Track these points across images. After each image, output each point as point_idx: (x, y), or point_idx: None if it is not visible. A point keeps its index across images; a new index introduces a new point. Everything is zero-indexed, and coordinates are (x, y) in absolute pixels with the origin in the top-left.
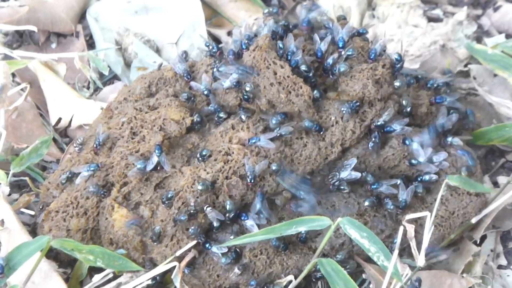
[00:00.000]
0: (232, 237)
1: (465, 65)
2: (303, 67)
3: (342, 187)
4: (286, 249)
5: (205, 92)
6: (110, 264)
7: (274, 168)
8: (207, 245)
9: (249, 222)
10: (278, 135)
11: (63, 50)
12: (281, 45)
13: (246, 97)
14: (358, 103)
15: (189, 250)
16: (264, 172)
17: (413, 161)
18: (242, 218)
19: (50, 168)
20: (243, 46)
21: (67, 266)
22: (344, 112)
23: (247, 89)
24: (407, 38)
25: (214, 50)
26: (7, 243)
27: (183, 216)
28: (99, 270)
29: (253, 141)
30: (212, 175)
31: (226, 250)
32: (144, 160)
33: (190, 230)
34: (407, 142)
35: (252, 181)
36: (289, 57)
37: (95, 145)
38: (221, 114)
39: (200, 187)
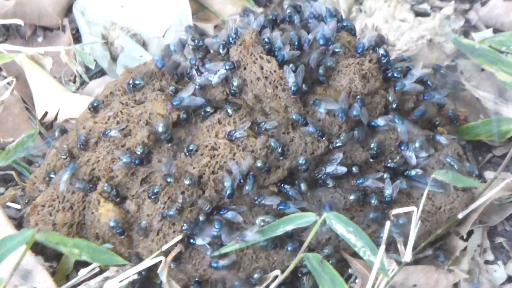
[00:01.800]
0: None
1: (452, 60)
2: (290, 66)
3: (326, 182)
4: (275, 248)
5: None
6: (95, 258)
7: (259, 165)
8: (191, 241)
9: (230, 214)
10: (263, 129)
11: (49, 44)
12: (267, 40)
13: (232, 91)
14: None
15: (175, 245)
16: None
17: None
18: (221, 212)
19: (36, 162)
20: (231, 41)
21: (53, 260)
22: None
23: (235, 83)
24: (394, 33)
25: (199, 44)
26: None
27: (173, 211)
28: (86, 264)
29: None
30: (198, 170)
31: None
32: (130, 154)
33: (183, 227)
34: (402, 147)
35: (241, 181)
36: (275, 52)
37: (78, 145)
38: (208, 109)
39: (187, 182)
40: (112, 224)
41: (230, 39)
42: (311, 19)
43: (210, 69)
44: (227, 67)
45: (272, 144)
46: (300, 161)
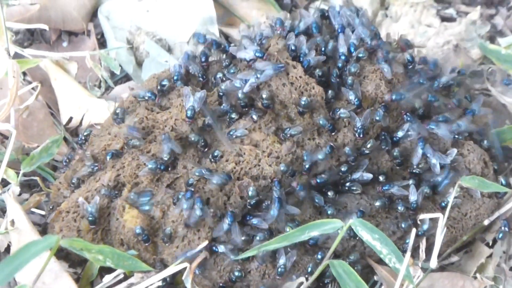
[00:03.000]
0: (243, 238)
1: (479, 65)
2: (317, 71)
3: (354, 188)
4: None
5: (221, 93)
6: (119, 264)
7: (282, 168)
8: (213, 248)
9: (255, 220)
10: (288, 135)
11: (74, 48)
12: (293, 47)
13: (265, 104)
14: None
15: (200, 251)
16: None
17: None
18: (248, 218)
19: (61, 168)
20: (258, 54)
21: (77, 266)
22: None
23: (264, 96)
24: (420, 38)
25: (226, 49)
26: (17, 243)
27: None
28: (110, 270)
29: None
30: None
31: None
32: (156, 160)
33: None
34: (428, 155)
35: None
36: (301, 58)
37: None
38: (233, 115)
39: (212, 186)
40: (138, 231)
41: (256, 52)
42: (339, 25)
43: (240, 78)
44: (258, 77)
45: (305, 157)
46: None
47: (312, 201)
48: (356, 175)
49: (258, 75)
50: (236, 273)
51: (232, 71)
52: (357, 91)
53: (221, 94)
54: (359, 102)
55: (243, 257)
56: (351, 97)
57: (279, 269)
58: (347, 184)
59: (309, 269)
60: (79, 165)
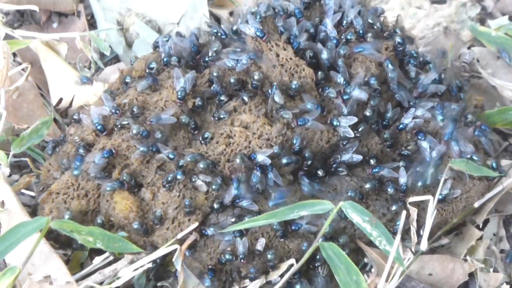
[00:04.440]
0: (233, 220)
1: (469, 47)
2: (308, 52)
3: (340, 169)
4: (282, 237)
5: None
6: (109, 246)
7: (275, 151)
8: (203, 231)
9: (245, 202)
10: (279, 116)
11: (64, 30)
12: (282, 29)
13: (254, 85)
14: None
15: (190, 233)
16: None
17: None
18: (237, 201)
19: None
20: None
21: (67, 248)
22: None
23: (256, 77)
24: (410, 20)
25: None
26: (7, 224)
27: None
28: (100, 252)
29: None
30: (214, 158)
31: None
32: (147, 143)
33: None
34: (419, 136)
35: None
36: (291, 40)
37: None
38: (222, 97)
39: (201, 165)
40: (136, 226)
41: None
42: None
43: (232, 57)
44: (250, 57)
45: (295, 141)
46: (307, 156)
47: (300, 189)
48: (346, 157)
49: (251, 56)
50: (227, 256)
51: (231, 56)
52: (345, 73)
53: (214, 75)
54: (347, 83)
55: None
56: (339, 79)
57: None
58: (333, 165)
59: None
60: (69, 147)
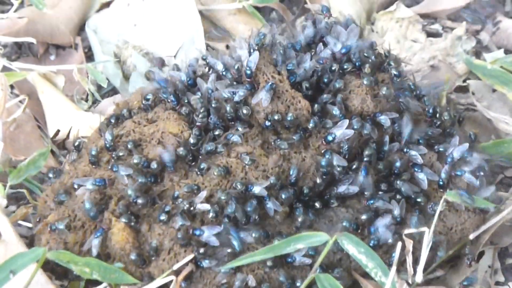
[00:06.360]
0: (229, 250)
1: (464, 80)
2: (304, 83)
3: (331, 201)
4: (274, 268)
5: (214, 105)
6: (106, 277)
7: (272, 182)
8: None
9: (242, 234)
10: (275, 147)
11: (62, 62)
12: (280, 61)
13: (242, 117)
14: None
15: (186, 264)
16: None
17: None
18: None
19: (47, 180)
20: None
21: (63, 279)
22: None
23: (245, 111)
24: (406, 53)
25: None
26: (4, 255)
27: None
28: (97, 283)
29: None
30: (210, 189)
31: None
32: (145, 174)
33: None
34: (415, 168)
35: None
36: (288, 72)
37: (89, 162)
38: (217, 132)
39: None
40: (133, 257)
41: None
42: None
43: (229, 89)
44: (247, 88)
45: (291, 172)
46: (305, 192)
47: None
48: (342, 188)
49: (248, 87)
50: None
51: (229, 88)
52: (341, 109)
53: (212, 106)
54: (344, 117)
55: (230, 267)
56: (336, 112)
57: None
58: (326, 197)
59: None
60: (66, 178)
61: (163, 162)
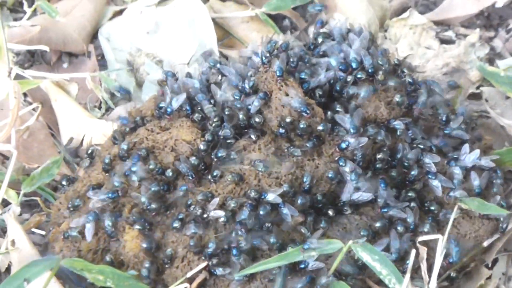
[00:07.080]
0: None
1: (477, 87)
2: (317, 90)
3: (345, 208)
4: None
5: (227, 113)
6: (120, 284)
7: (285, 189)
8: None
9: (257, 241)
10: (289, 154)
11: (74, 70)
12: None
13: (255, 125)
14: None
15: (200, 272)
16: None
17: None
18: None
19: (61, 188)
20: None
21: (77, 287)
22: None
23: (257, 120)
24: (419, 60)
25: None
26: (18, 263)
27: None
28: None
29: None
30: (223, 196)
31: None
32: (157, 182)
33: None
34: (429, 176)
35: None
36: (301, 79)
37: (103, 167)
38: (229, 140)
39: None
40: (147, 265)
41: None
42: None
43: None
44: (261, 97)
45: (305, 179)
46: (318, 199)
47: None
48: (356, 196)
49: (262, 96)
50: None
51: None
52: (355, 118)
53: (226, 113)
54: (356, 130)
55: (244, 274)
56: (348, 125)
57: None
58: (339, 204)
59: None
60: (80, 185)
61: (178, 170)
